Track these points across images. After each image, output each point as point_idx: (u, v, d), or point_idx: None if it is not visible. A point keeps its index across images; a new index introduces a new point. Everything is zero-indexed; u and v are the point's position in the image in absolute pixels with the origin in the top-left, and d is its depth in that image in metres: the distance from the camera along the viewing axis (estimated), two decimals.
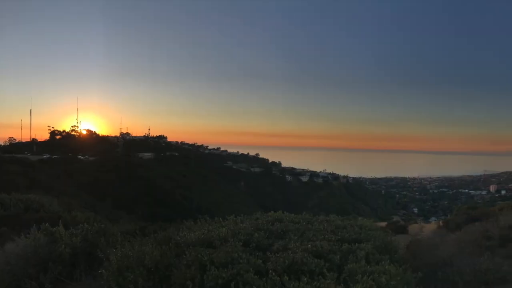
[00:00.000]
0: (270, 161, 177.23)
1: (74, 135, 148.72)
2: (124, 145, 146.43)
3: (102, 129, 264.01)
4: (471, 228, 16.13)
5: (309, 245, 7.91)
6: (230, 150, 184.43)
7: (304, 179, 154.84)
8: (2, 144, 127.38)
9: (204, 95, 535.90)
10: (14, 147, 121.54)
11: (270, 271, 6.54)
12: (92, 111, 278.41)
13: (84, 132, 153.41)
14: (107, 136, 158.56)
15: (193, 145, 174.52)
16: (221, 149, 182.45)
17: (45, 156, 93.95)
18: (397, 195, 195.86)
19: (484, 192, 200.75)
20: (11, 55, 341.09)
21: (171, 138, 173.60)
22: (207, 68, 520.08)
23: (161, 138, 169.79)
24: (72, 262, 8.26)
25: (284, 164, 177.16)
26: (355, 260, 7.46)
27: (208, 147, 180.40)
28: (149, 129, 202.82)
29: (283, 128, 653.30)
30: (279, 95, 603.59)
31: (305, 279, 6.28)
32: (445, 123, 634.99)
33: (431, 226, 29.01)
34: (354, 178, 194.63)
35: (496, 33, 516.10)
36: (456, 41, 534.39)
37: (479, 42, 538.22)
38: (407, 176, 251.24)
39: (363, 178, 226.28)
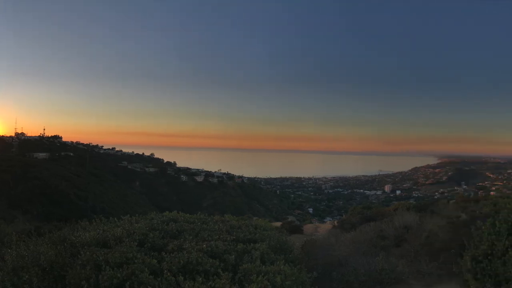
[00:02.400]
0: (165, 161, 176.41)
1: None
2: (19, 145, 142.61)
3: None
4: (366, 228, 16.84)
5: (204, 245, 8.15)
6: (125, 150, 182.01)
7: (199, 179, 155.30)
8: None
9: (99, 95, 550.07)
10: None
11: (165, 271, 6.69)
12: None
13: None
14: (2, 136, 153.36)
15: (88, 145, 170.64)
16: (116, 149, 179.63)
17: None
18: (292, 195, 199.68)
19: (379, 192, 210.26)
20: None
21: (66, 138, 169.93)
22: (102, 68, 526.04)
23: (56, 138, 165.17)
24: None
25: (179, 164, 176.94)
26: (250, 260, 7.72)
27: (103, 147, 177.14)
28: (44, 129, 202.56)
29: (178, 128, 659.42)
30: (174, 96, 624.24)
31: (200, 279, 6.44)
32: (340, 124, 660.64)
33: (326, 226, 29.99)
34: (249, 178, 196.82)
35: (389, 34, 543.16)
36: (349, 41, 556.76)
37: (372, 43, 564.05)
38: (302, 176, 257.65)
39: (258, 178, 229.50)
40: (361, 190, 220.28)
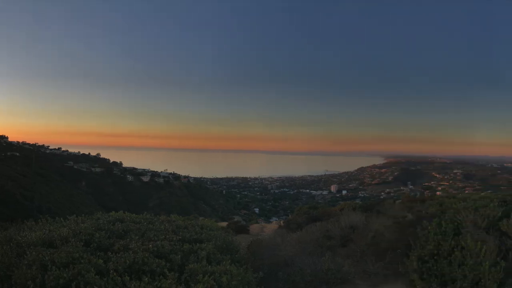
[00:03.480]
0: (111, 161, 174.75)
1: None
2: None
3: None
4: (312, 228, 16.95)
5: (150, 245, 8.21)
6: (71, 150, 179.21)
7: (145, 179, 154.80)
8: None
9: (46, 95, 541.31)
10: None
11: (111, 271, 6.75)
12: None
13: None
14: None
15: (34, 145, 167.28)
16: (63, 149, 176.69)
17: None
18: (238, 195, 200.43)
19: (325, 192, 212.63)
20: None
21: (12, 138, 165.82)
22: (48, 68, 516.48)
23: (2, 138, 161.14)
24: None
25: (125, 164, 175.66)
26: (196, 260, 7.81)
27: (50, 147, 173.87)
28: None
29: (124, 128, 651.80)
30: (120, 95, 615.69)
31: (146, 279, 6.52)
32: (287, 123, 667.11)
33: (272, 226, 30.18)
34: (195, 178, 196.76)
35: (336, 34, 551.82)
36: (296, 41, 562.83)
37: (319, 43, 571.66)
38: (248, 176, 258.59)
39: (205, 178, 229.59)
40: (307, 190, 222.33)
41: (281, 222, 31.19)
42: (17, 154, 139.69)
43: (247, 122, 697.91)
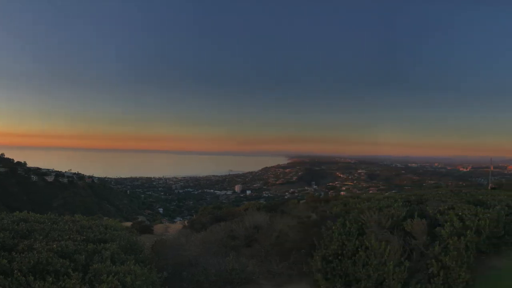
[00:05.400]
0: (15, 161, 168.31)
1: None
2: None
3: None
4: (216, 228, 16.91)
5: (55, 245, 8.23)
6: None
7: (50, 179, 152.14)
8: None
9: None
10: None
11: (16, 271, 6.76)
12: None
13: None
14: None
15: None
16: None
17: None
18: (143, 195, 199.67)
19: (229, 192, 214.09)
20: None
21: None
22: None
23: None
24: None
25: (30, 164, 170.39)
26: (100, 260, 7.85)
27: None
28: None
29: (29, 128, 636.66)
30: (26, 95, 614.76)
31: (51, 279, 6.56)
32: (192, 124, 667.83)
33: (177, 226, 29.98)
34: (99, 178, 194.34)
35: (241, 35, 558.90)
36: (202, 42, 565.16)
37: (224, 44, 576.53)
38: (153, 176, 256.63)
39: (109, 178, 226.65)
40: (212, 190, 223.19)
41: (186, 222, 31.07)
42: None
43: (154, 122, 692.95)
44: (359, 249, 9.49)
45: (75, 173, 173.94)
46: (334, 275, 9.34)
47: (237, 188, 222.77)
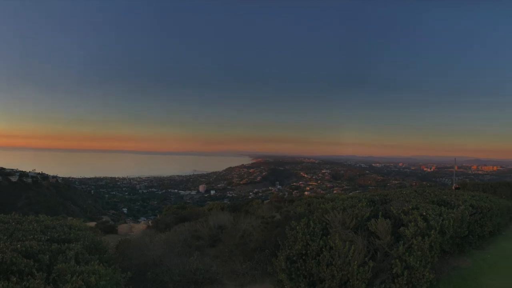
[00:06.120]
0: None
1: None
2: None
3: None
4: (180, 228, 16.92)
5: (19, 245, 8.19)
6: None
7: (14, 179, 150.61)
8: None
9: None
10: None
11: None
12: None
13: None
14: None
15: None
16: None
17: None
18: (107, 195, 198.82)
19: (193, 192, 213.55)
20: None
21: None
22: None
23: None
24: None
25: None
26: (64, 260, 7.84)
27: None
28: None
29: None
30: None
31: (15, 279, 6.51)
32: (156, 124, 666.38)
33: (141, 226, 29.87)
34: (63, 178, 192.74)
35: (209, 35, 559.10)
36: (168, 42, 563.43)
37: (191, 44, 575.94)
38: (117, 176, 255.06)
39: (73, 178, 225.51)
40: (176, 190, 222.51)
41: (150, 222, 31.00)
42: None
43: (118, 122, 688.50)
44: (323, 249, 9.56)
45: (39, 173, 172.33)
46: (298, 275, 9.41)
47: (201, 188, 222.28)
